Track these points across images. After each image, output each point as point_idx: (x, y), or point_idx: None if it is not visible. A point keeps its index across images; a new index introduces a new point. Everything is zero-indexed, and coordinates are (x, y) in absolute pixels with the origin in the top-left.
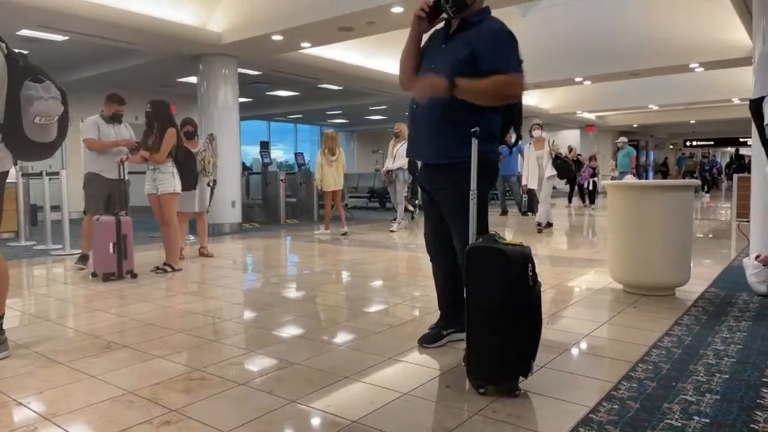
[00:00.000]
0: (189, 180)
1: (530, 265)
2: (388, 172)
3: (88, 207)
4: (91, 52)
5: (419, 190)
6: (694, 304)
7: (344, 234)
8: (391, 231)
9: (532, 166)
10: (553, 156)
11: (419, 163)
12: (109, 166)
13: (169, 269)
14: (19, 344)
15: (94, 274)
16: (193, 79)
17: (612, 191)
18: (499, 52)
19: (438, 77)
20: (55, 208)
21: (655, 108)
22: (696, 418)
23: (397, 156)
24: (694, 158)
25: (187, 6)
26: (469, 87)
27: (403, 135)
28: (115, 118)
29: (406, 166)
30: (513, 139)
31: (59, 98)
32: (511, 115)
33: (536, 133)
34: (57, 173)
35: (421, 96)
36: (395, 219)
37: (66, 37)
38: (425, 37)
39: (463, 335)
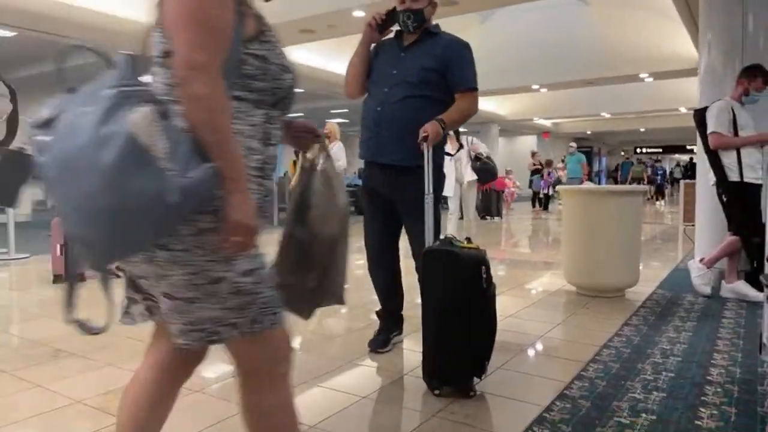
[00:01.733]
0: None
1: (484, 267)
2: None
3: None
4: (41, 48)
5: (363, 194)
6: (643, 305)
7: None
8: None
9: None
10: (473, 157)
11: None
12: None
13: (121, 273)
14: None
15: (55, 279)
16: (148, 78)
17: (565, 196)
18: (467, 70)
19: (436, 125)
20: (1, 210)
21: (608, 116)
22: (644, 415)
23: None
24: (641, 164)
25: (137, 1)
26: (455, 119)
27: (334, 135)
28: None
29: (344, 168)
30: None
31: (7, 96)
32: None
33: None
34: None
35: (435, 141)
36: None
37: (13, 33)
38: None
39: (403, 337)
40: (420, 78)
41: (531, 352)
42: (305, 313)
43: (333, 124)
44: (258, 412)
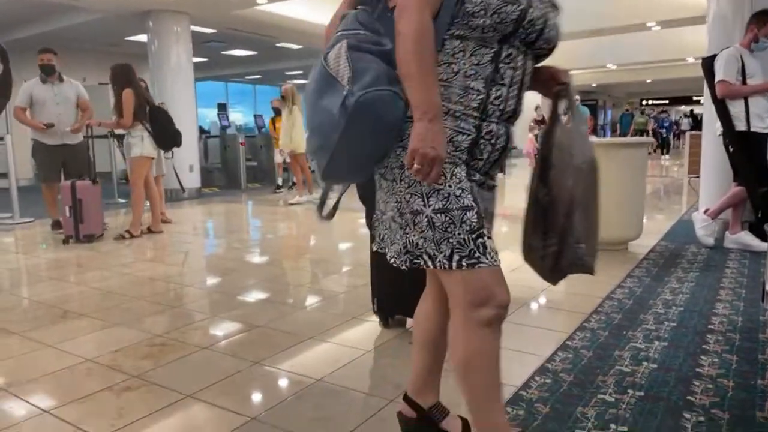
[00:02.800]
0: (164, 139)
1: None
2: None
3: (40, 175)
4: (32, 9)
5: None
6: (646, 257)
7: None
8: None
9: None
10: None
11: None
12: (49, 133)
13: (127, 236)
14: None
15: (64, 240)
16: (142, 38)
17: None
18: None
19: None
20: (2, 175)
21: (613, 67)
22: (645, 363)
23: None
24: (644, 115)
25: None
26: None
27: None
28: (47, 72)
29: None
30: None
31: None
32: None
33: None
34: (1, 139)
35: None
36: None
37: None
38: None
39: None
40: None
41: (534, 306)
42: (551, 278)
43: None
44: (454, 349)
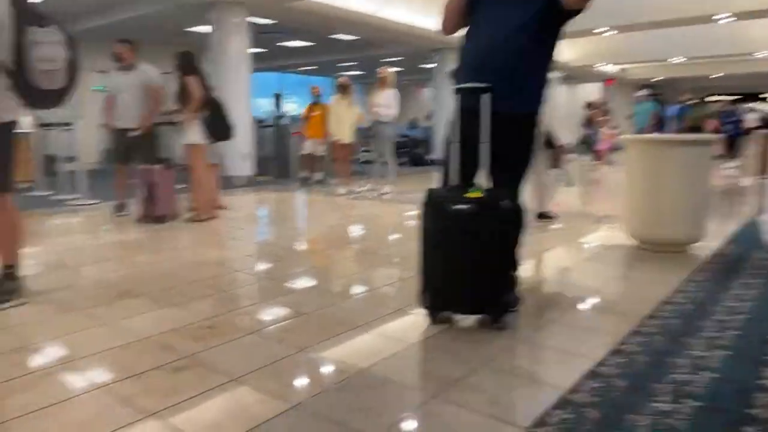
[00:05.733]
0: (216, 130)
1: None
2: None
3: (109, 158)
4: (99, 0)
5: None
6: (708, 261)
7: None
8: (384, 194)
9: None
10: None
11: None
12: (117, 115)
13: (193, 218)
14: (38, 291)
15: (139, 219)
16: (202, 29)
17: (630, 146)
18: None
19: None
20: (71, 159)
21: (680, 61)
22: (704, 372)
23: (382, 105)
24: (705, 108)
25: None
26: None
27: (388, 81)
28: (115, 60)
29: (395, 116)
30: None
31: (64, 43)
32: None
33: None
34: (71, 123)
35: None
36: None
37: None
38: None
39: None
40: (531, 19)
41: (585, 307)
42: None
43: (389, 70)
44: None
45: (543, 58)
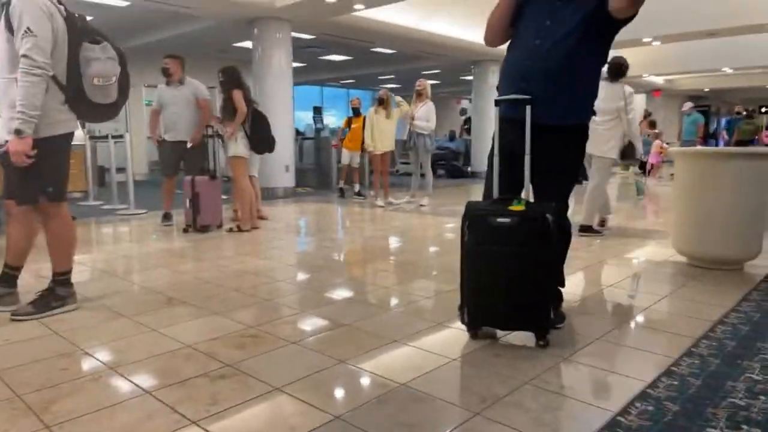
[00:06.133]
0: (259, 142)
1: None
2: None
3: (161, 169)
4: (151, 17)
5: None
6: (765, 280)
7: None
8: (421, 205)
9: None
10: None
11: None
12: (167, 128)
13: (236, 230)
14: (88, 297)
15: (185, 229)
16: (248, 44)
17: (679, 159)
18: None
19: None
20: (121, 170)
21: (730, 71)
22: (763, 397)
23: (421, 117)
24: (754, 120)
25: None
26: None
27: (426, 93)
28: (164, 75)
29: (433, 129)
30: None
31: (116, 59)
32: None
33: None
34: (122, 136)
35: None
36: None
37: (128, 3)
38: None
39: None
40: (584, 29)
41: (634, 325)
42: None
43: (426, 82)
44: None
45: (591, 69)
